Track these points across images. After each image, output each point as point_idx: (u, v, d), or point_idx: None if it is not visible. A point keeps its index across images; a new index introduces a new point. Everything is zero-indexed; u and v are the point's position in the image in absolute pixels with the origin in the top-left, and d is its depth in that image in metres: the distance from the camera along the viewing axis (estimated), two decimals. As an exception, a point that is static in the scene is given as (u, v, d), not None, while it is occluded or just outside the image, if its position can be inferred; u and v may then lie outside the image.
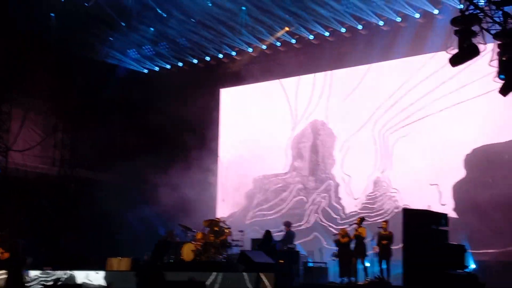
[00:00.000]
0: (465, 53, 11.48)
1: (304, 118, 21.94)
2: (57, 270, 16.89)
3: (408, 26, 19.36)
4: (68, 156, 23.05)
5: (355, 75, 20.84)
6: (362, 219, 16.99)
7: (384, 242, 16.10)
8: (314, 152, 21.65)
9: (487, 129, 17.90)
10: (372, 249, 16.43)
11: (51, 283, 15.78)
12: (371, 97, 20.31)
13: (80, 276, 16.44)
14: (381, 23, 19.62)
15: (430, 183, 18.61)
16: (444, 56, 12.47)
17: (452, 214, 17.36)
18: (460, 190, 18.21)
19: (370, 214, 19.25)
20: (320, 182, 21.25)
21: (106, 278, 16.14)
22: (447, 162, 18.42)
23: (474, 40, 11.40)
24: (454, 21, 11.64)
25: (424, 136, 19.07)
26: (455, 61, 11.69)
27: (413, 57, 19.51)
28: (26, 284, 16.14)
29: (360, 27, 20.04)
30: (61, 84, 22.18)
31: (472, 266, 15.75)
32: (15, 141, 21.45)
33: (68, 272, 16.65)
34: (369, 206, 19.80)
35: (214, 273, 14.57)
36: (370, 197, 19.92)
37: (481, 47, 11.36)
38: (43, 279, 16.64)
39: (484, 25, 11.61)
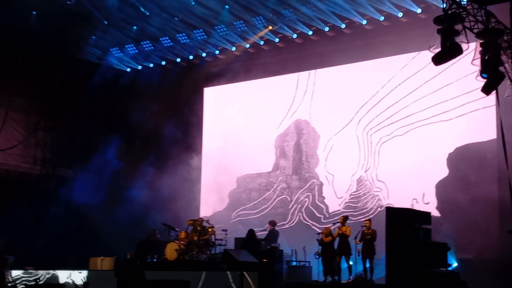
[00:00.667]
0: (448, 52, 11.53)
1: (287, 117, 21.92)
2: (40, 269, 16.79)
3: (391, 25, 19.42)
4: (50, 155, 22.89)
5: (339, 74, 20.87)
6: (345, 218, 17.02)
7: (368, 240, 16.13)
8: (298, 151, 21.66)
9: (470, 128, 18.00)
10: (355, 248, 16.46)
11: (33, 283, 15.68)
12: (355, 96, 20.34)
13: (63, 275, 16.35)
14: (364, 22, 19.66)
15: (413, 182, 18.69)
16: (427, 55, 12.52)
17: (435, 212, 17.45)
18: (443, 188, 18.29)
19: (353, 213, 19.27)
20: (304, 181, 21.27)
21: (88, 277, 16.06)
22: (430, 161, 18.49)
23: (457, 39, 11.46)
24: (437, 20, 11.69)
25: (407, 135, 19.14)
26: (438, 59, 11.73)
27: (397, 56, 19.55)
28: (8, 284, 16.01)
29: (343, 26, 20.07)
30: (43, 83, 22.03)
31: (455, 264, 15.82)
32: (-4, 140, 21.28)
33: (51, 271, 16.55)
34: (353, 205, 19.85)
35: (198, 272, 14.55)
36: (354, 196, 19.97)
37: (464, 46, 11.42)
38: (25, 278, 16.52)
39: (467, 24, 11.69)
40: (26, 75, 21.27)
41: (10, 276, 16.71)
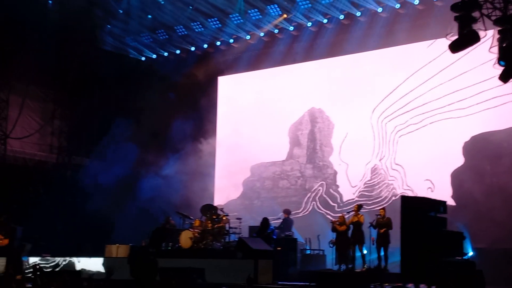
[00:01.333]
0: (465, 40, 11.43)
1: (301, 106, 21.89)
2: (56, 256, 16.94)
3: (407, 12, 19.29)
4: (65, 143, 23.01)
5: (353, 63, 20.78)
6: (359, 207, 16.99)
7: (382, 229, 16.10)
8: (312, 139, 21.64)
9: (486, 116, 17.87)
10: (369, 236, 16.44)
11: (50, 269, 15.81)
12: (370, 85, 20.26)
13: (79, 262, 16.47)
14: (379, 9, 19.55)
15: (428, 171, 18.63)
16: (443, 43, 12.43)
17: (450, 201, 17.38)
18: (458, 177, 18.21)
19: (368, 202, 19.26)
20: (318, 170, 21.26)
21: (104, 264, 16.17)
22: (446, 150, 18.41)
23: (474, 26, 11.36)
24: (454, 7, 11.58)
25: (423, 123, 19.04)
26: (455, 47, 11.65)
27: (412, 44, 19.46)
28: (25, 271, 16.15)
29: (358, 14, 19.97)
30: (59, 72, 22.12)
31: (470, 253, 15.76)
32: (13, 129, 21.40)
33: (68, 258, 16.69)
34: (367, 193, 19.82)
35: (212, 260, 14.60)
36: (368, 184, 19.93)
37: (481, 33, 11.32)
38: (42, 265, 16.66)
39: (485, 11, 11.56)
40: (42, 63, 21.36)
41: (27, 262, 16.86)
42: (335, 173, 20.80)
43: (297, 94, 21.94)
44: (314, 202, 21.06)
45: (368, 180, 19.99)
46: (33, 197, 20.38)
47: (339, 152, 20.86)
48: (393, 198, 18.93)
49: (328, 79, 21.31)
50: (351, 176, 20.38)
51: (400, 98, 19.57)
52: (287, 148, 22.06)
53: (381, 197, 19.50)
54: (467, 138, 18.25)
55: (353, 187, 20.26)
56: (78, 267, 16.24)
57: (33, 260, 16.93)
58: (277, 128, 22.13)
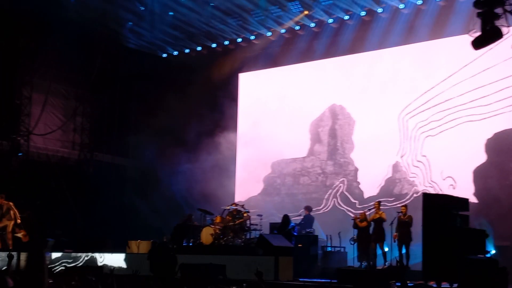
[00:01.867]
0: (488, 36, 11.35)
1: (322, 102, 21.85)
2: (79, 252, 17.08)
3: (428, 9, 19.15)
4: (87, 140, 23.20)
5: (375, 59, 20.69)
6: (380, 203, 16.94)
7: (403, 226, 16.03)
8: (333, 136, 21.59)
9: (510, 113, 17.71)
10: (391, 233, 16.38)
11: (73, 264, 15.96)
12: (391, 82, 20.17)
13: (101, 258, 16.60)
14: (401, 6, 19.44)
15: (450, 168, 18.53)
16: (465, 39, 12.33)
17: (472, 199, 17.25)
18: (480, 175, 18.07)
19: (389, 199, 19.18)
20: (339, 167, 21.22)
21: (126, 260, 16.29)
22: (468, 147, 18.28)
23: (497, 23, 11.26)
24: (476, 3, 11.49)
25: (444, 120, 18.91)
26: (478, 44, 11.56)
27: (434, 40, 19.32)
28: (48, 266, 16.30)
29: (380, 10, 19.87)
30: (81, 69, 22.30)
31: (493, 251, 15.64)
32: (36, 125, 21.61)
33: (90, 254, 16.83)
34: (388, 190, 19.74)
35: (233, 256, 14.65)
36: (389, 181, 19.85)
37: (504, 29, 11.22)
38: (65, 261, 16.83)
39: (508, 7, 11.45)
40: (64, 61, 21.54)
41: (50, 258, 17.01)
42: (356, 169, 20.74)
43: (318, 90, 21.89)
44: (335, 199, 21.01)
45: (390, 177, 19.90)
46: (56, 193, 20.55)
47: (360, 148, 20.80)
48: (414, 195, 18.85)
49: (349, 75, 21.24)
50: (372, 172, 20.29)
51: (422, 95, 19.45)
52: (308, 145, 22.03)
53: (402, 194, 19.42)
54: (490, 135, 18.10)
55: (374, 183, 20.18)
56: (100, 262, 16.36)
57: (55, 255, 17.09)
58: (298, 124, 22.11)
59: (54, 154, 22.39)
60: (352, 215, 18.09)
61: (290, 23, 21.48)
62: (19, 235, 16.65)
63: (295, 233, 17.55)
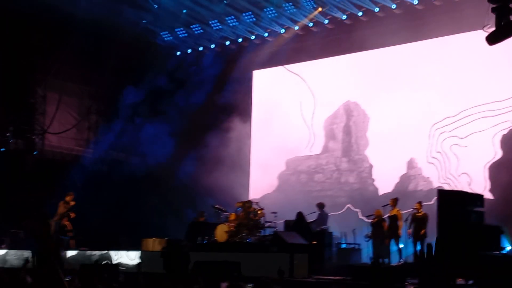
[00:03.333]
0: (503, 31, 11.27)
1: (337, 99, 21.79)
2: (94, 250, 17.17)
3: (443, 4, 19.05)
4: (102, 138, 23.26)
5: (389, 56, 20.61)
6: (395, 200, 16.89)
7: (418, 223, 15.97)
8: (347, 133, 21.53)
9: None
10: (406, 231, 16.33)
11: (89, 262, 16.04)
12: (405, 78, 20.07)
13: (116, 256, 16.69)
14: (415, 1, 19.33)
15: (465, 164, 18.43)
16: (480, 35, 12.25)
17: (488, 195, 17.15)
18: (496, 171, 17.96)
19: (404, 196, 19.09)
20: (353, 163, 21.16)
21: (141, 258, 16.34)
22: (483, 142, 18.18)
23: (512, 18, 11.19)
24: (491, -1, 11.42)
25: (459, 116, 18.80)
26: (493, 39, 11.50)
27: (448, 36, 19.19)
28: (63, 264, 16.40)
29: (394, 6, 19.77)
30: (95, 67, 22.39)
31: (508, 248, 15.55)
32: (51, 124, 21.73)
33: (105, 252, 16.91)
34: (403, 187, 19.66)
35: (248, 254, 14.66)
36: (404, 178, 19.77)
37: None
38: (80, 259, 16.91)
39: (523, 2, 11.37)
40: (78, 59, 21.65)
41: (65, 256, 17.12)
42: (371, 166, 20.68)
43: (332, 87, 21.85)
44: (350, 196, 20.96)
45: (404, 173, 19.83)
46: (70, 191, 20.65)
47: (374, 145, 20.73)
48: (430, 191, 18.74)
49: (364, 72, 21.15)
50: (387, 169, 20.22)
51: (436, 90, 19.35)
52: (322, 142, 21.99)
53: (417, 190, 19.34)
54: (506, 131, 17.98)
55: (389, 180, 20.11)
56: (116, 260, 16.44)
57: (70, 253, 17.19)
58: (312, 121, 22.06)
59: (68, 153, 22.51)
60: (368, 212, 17.99)
61: (304, 20, 21.41)
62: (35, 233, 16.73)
63: (310, 231, 17.51)
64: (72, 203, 17.75)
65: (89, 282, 8.22)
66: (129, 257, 16.69)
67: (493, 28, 11.39)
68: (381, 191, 20.19)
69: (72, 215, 17.68)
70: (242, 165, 22.60)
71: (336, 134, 21.75)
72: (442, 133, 19.16)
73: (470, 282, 11.75)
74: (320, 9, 20.78)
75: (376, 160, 20.58)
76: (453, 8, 18.84)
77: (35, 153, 21.14)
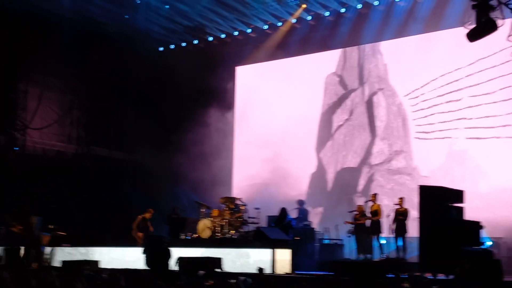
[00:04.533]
0: (483, 28, 11.34)
1: (318, 95, 21.86)
2: (76, 246, 17.09)
3: (424, 1, 19.14)
4: (84, 134, 23.16)
5: (371, 52, 20.72)
6: (376, 195, 16.96)
7: (400, 218, 16.06)
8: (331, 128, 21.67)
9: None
10: (388, 226, 16.41)
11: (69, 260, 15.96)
12: (391, 75, 20.19)
13: (98, 253, 16.63)
14: (398, -1, 19.45)
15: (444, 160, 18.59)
16: (461, 32, 12.33)
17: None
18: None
19: (385, 191, 19.22)
20: (335, 159, 21.22)
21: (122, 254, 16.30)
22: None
23: (492, 15, 11.25)
24: (471, -5, 11.49)
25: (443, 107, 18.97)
26: (473, 36, 11.55)
27: (429, 33, 19.32)
28: (45, 261, 16.34)
29: (376, 3, 19.83)
30: (78, 62, 22.21)
31: (488, 243, 15.69)
32: (33, 119, 21.58)
33: (87, 248, 16.84)
34: (385, 182, 19.77)
35: (230, 249, 14.68)
36: (387, 172, 19.92)
37: (499, 21, 11.21)
38: (62, 255, 16.83)
39: (502, -1, 11.46)
40: (60, 54, 21.47)
41: (46, 252, 17.02)
42: (352, 160, 20.76)
43: (315, 83, 21.90)
44: (332, 191, 21.04)
45: (388, 168, 19.95)
46: (52, 187, 20.53)
47: (351, 139, 20.85)
48: (411, 187, 18.87)
49: (344, 68, 21.25)
50: (369, 163, 20.35)
51: (416, 89, 19.49)
52: (307, 138, 22.02)
53: (399, 185, 19.45)
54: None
55: (370, 175, 20.21)
56: (98, 257, 16.36)
57: (52, 250, 17.09)
58: (295, 118, 22.10)
59: (50, 148, 22.36)
60: (350, 208, 18.08)
61: (287, 17, 21.42)
62: (15, 229, 16.65)
63: (293, 226, 17.55)
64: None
65: (70, 278, 8.19)
66: (111, 254, 16.62)
67: (474, 25, 11.46)
68: (361, 186, 20.31)
69: (151, 228, 17.80)
70: (225, 161, 22.59)
71: (320, 130, 21.83)
72: (421, 129, 19.30)
73: (451, 277, 11.84)
74: (304, 6, 20.79)
75: (357, 154, 20.69)
76: (435, 5, 18.91)
77: (16, 148, 20.97)
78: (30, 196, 18.56)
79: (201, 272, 10.74)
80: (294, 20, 21.61)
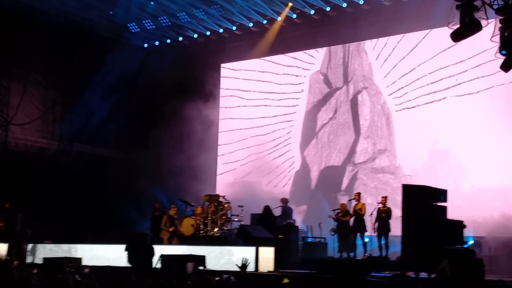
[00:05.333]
0: (467, 28, 11.38)
1: (302, 94, 21.89)
2: (58, 243, 16.97)
3: (410, 1, 19.20)
4: (67, 130, 23.00)
5: (357, 50, 20.77)
6: (360, 194, 17.00)
7: (383, 217, 16.11)
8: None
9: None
10: (371, 224, 16.47)
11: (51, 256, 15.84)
12: (369, 75, 20.24)
13: (81, 250, 16.51)
14: (384, -2, 19.48)
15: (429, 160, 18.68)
16: (445, 32, 12.38)
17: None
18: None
19: (370, 189, 19.28)
20: (318, 157, 21.26)
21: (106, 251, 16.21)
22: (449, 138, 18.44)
23: (476, 15, 11.30)
24: (456, -4, 11.53)
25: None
26: (457, 36, 11.60)
27: (414, 32, 19.41)
28: (26, 257, 16.22)
29: (361, 2, 19.86)
30: (61, 59, 22.06)
31: (471, 242, 15.78)
32: (15, 115, 21.40)
33: (69, 245, 16.72)
34: (368, 180, 19.84)
35: (213, 247, 14.65)
36: (370, 171, 19.97)
37: (483, 22, 11.27)
38: (44, 252, 16.70)
39: (486, 0, 11.51)
40: (44, 50, 21.30)
41: (28, 249, 16.90)
42: (336, 159, 20.81)
43: (299, 82, 21.93)
44: (315, 190, 21.06)
45: (372, 167, 20.01)
46: (35, 184, 20.38)
47: (335, 137, 20.90)
48: (394, 186, 18.95)
49: (329, 66, 21.29)
50: (352, 161, 20.41)
51: (398, 90, 19.57)
52: (290, 136, 22.03)
53: (383, 183, 19.52)
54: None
55: (354, 173, 20.27)
56: (80, 254, 16.25)
57: (34, 247, 16.97)
58: (280, 116, 22.11)
59: (33, 145, 22.19)
60: (334, 206, 18.12)
61: (272, 14, 21.39)
62: None
63: (276, 224, 17.55)
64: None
65: (52, 275, 8.12)
66: (94, 251, 16.52)
67: (458, 25, 11.50)
68: (344, 184, 20.34)
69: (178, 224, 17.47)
70: (208, 158, 22.53)
71: (303, 128, 21.86)
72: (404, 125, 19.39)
73: (433, 276, 11.88)
74: (290, 4, 20.76)
75: (339, 152, 20.75)
76: (420, 4, 18.97)
77: (-3, 144, 20.81)
78: (12, 192, 18.40)
79: (190, 264, 10.66)
80: (279, 18, 21.58)
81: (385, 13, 19.70)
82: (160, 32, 23.57)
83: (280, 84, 22.31)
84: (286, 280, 9.32)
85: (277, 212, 18.08)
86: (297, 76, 22.04)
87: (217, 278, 8.65)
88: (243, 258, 9.90)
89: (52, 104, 22.76)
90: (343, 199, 18.71)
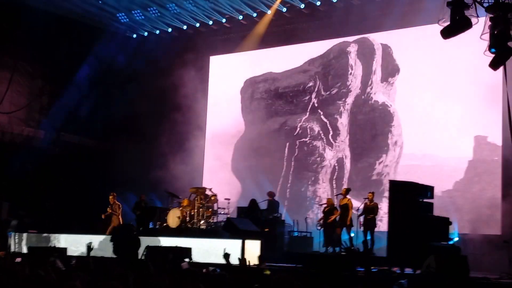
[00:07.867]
0: (457, 26, 11.41)
1: (291, 87, 21.89)
2: (43, 233, 16.91)
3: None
4: (54, 120, 22.84)
5: (344, 48, 20.81)
6: (347, 190, 17.02)
7: (369, 213, 16.16)
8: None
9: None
10: (357, 220, 16.51)
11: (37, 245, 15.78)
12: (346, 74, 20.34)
13: (66, 239, 16.48)
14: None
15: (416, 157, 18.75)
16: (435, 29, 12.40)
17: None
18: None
19: (357, 185, 19.35)
20: (305, 150, 21.30)
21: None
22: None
23: (467, 13, 11.33)
24: (446, -7, 11.54)
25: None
26: (447, 33, 11.62)
27: (405, 29, 19.43)
28: (10, 246, 16.16)
29: (351, -2, 19.88)
30: (49, 47, 21.90)
31: (456, 238, 15.88)
32: (1, 103, 21.23)
33: (54, 235, 16.67)
34: (357, 177, 19.90)
35: (200, 239, 14.64)
36: (357, 168, 20.03)
37: (473, 20, 11.30)
38: (29, 242, 16.64)
39: (477, -2, 11.54)
40: (31, 38, 21.14)
41: (13, 238, 16.83)
42: (323, 154, 20.85)
43: (288, 75, 21.95)
44: (303, 183, 21.08)
45: (359, 164, 20.09)
46: (20, 173, 20.25)
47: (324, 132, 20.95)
48: (383, 181, 19.03)
49: (319, 62, 21.33)
50: (340, 157, 20.47)
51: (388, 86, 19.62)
52: (279, 129, 22.04)
53: (371, 180, 19.58)
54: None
55: (341, 169, 20.32)
56: (65, 244, 16.20)
57: (19, 236, 16.90)
58: (267, 108, 22.12)
59: (19, 134, 22.04)
60: (320, 201, 18.18)
61: (262, 8, 21.35)
62: None
63: (263, 218, 17.55)
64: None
65: (37, 265, 8.07)
66: (79, 241, 16.47)
67: (448, 23, 11.52)
68: (333, 180, 20.42)
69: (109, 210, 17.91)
70: (196, 151, 22.48)
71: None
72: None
73: (418, 271, 11.96)
74: (280, -3, 20.73)
75: (334, 148, 20.80)
76: (410, 1, 18.98)
77: (-17, 133, 20.65)
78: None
79: (185, 262, 10.63)
80: (269, 11, 21.53)
81: (375, 9, 19.69)
82: (149, 23, 23.44)
83: (272, 77, 22.25)
84: (267, 272, 9.31)
85: (263, 205, 18.10)
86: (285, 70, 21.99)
87: (204, 270, 8.64)
88: (224, 249, 9.93)
89: (39, 93, 22.59)
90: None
